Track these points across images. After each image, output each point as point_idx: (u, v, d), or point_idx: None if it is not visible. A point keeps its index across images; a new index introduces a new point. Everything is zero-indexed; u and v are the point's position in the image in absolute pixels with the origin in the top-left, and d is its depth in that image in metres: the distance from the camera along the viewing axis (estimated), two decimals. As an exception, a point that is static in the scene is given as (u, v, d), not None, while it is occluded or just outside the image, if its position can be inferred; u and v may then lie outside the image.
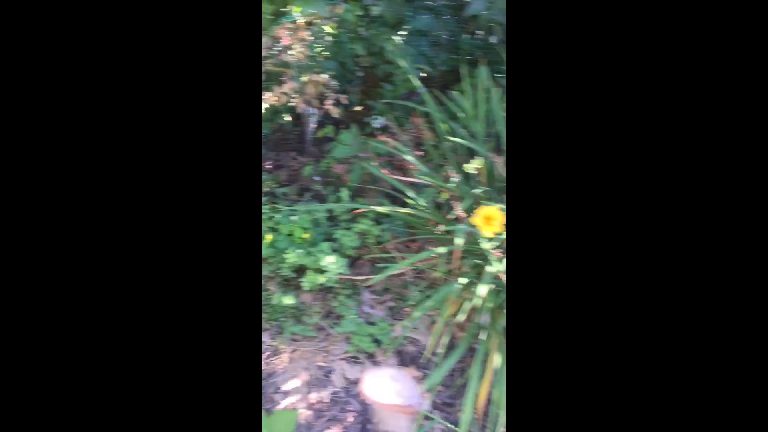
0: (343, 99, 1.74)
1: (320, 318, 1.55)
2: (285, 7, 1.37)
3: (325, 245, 1.47)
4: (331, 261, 1.42)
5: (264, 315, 1.57)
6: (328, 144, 1.92)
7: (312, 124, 1.94)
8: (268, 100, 1.70)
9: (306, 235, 1.51)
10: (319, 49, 1.66)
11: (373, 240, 1.57)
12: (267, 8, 1.34)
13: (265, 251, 1.56)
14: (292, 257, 1.47)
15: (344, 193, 1.52)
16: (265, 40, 1.50)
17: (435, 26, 1.67)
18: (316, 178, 1.88)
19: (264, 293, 1.62)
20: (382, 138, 1.58)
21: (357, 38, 1.67)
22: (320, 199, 1.81)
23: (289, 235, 1.56)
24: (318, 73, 1.70)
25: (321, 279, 1.43)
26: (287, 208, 1.55)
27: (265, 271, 1.63)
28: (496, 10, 1.47)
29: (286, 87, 1.69)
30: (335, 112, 1.71)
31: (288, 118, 2.06)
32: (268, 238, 1.57)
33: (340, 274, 1.42)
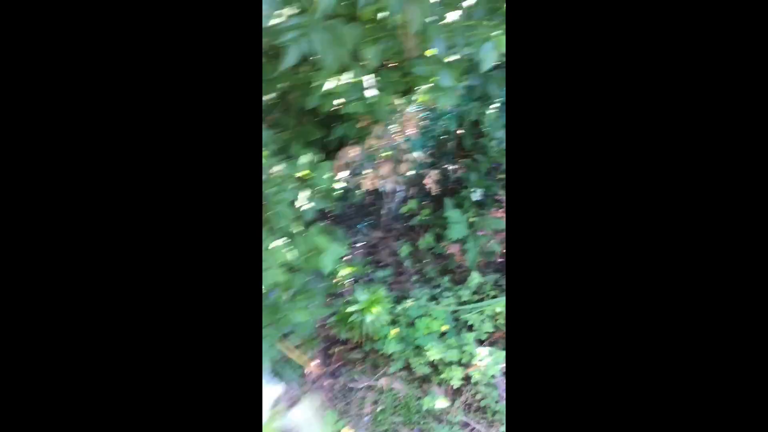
0: (434, 174, 1.70)
1: (465, 414, 1.44)
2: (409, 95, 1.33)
3: (469, 336, 1.38)
4: (485, 353, 1.33)
5: (397, 417, 1.43)
6: (412, 220, 1.86)
7: (397, 201, 1.87)
8: (364, 184, 1.63)
9: (445, 327, 1.41)
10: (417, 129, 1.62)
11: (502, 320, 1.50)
12: (387, 99, 1.29)
13: (391, 347, 1.45)
14: (433, 352, 1.37)
15: (475, 278, 1.45)
16: (382, 128, 1.44)
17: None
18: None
19: (390, 392, 1.49)
20: (497, 214, 1.54)
21: (453, 115, 1.66)
22: (425, 281, 1.72)
23: (412, 326, 1.46)
24: (409, 151, 1.66)
25: (477, 375, 1.33)
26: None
27: (392, 368, 1.51)
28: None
29: (384, 169, 1.63)
30: (434, 189, 1.66)
31: (360, 193, 1.98)
32: (393, 332, 1.46)
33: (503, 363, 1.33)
